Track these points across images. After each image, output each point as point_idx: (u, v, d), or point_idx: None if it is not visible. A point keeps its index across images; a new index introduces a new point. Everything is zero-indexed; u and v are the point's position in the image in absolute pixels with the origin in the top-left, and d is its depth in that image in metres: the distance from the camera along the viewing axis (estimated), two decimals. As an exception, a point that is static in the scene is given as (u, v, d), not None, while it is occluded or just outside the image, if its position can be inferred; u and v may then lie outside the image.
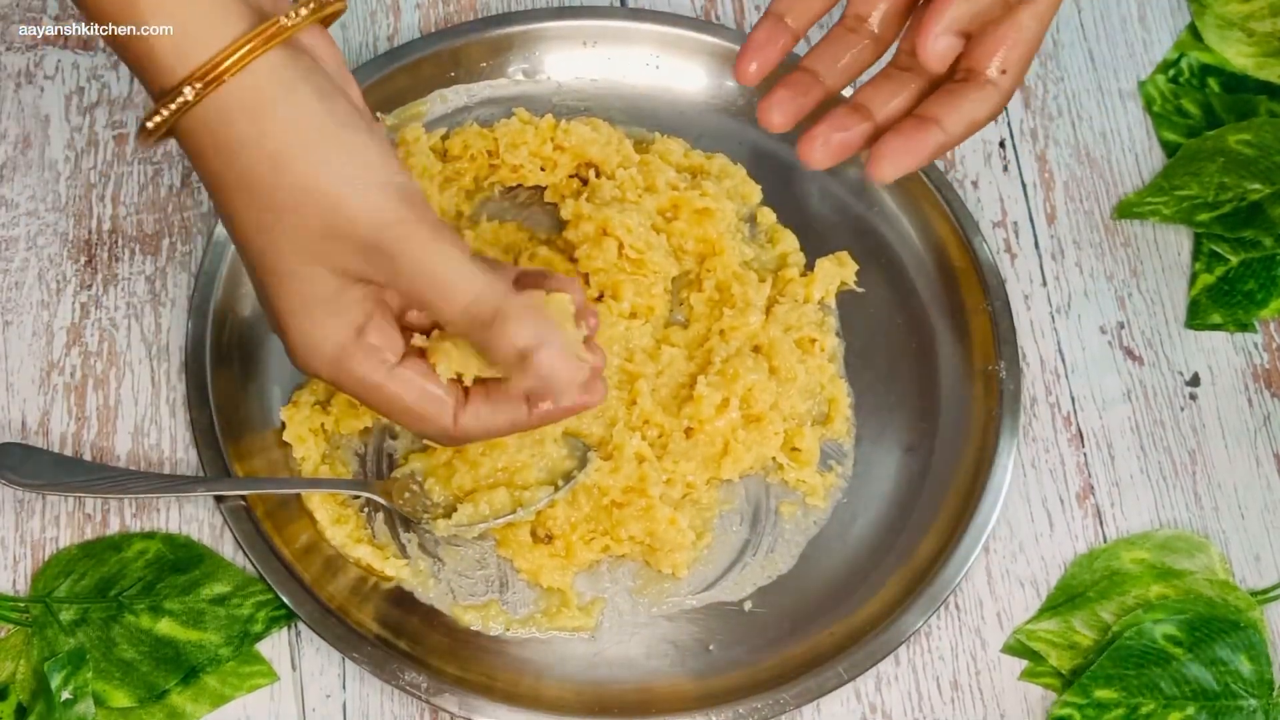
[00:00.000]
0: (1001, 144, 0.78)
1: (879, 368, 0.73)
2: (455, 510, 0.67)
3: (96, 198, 0.74)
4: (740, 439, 0.69)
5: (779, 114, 0.60)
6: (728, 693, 0.65)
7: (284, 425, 0.69)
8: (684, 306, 0.73)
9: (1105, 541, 0.69)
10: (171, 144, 0.75)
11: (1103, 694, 0.65)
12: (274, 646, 0.66)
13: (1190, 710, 0.65)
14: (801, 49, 0.63)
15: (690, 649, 0.67)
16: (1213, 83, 0.79)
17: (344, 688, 0.65)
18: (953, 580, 0.66)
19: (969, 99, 0.59)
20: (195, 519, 0.68)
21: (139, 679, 0.64)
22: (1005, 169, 0.77)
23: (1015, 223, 0.76)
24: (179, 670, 0.64)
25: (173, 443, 0.69)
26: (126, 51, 0.54)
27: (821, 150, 0.59)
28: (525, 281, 0.59)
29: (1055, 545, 0.69)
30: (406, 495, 0.68)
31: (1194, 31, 0.81)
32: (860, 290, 0.74)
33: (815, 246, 0.74)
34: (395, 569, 0.67)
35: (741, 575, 0.68)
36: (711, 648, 0.67)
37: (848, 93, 0.67)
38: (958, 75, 0.59)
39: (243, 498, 0.66)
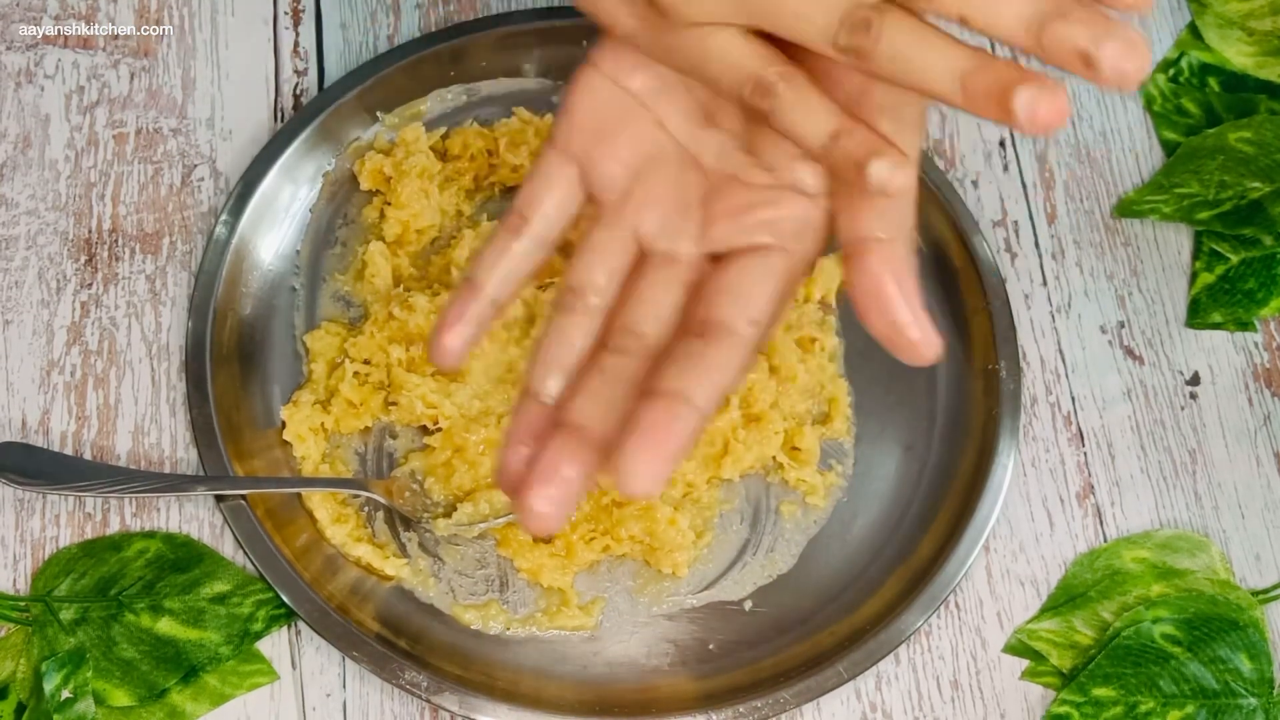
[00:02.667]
0: (1001, 143, 0.78)
1: (879, 367, 0.73)
2: (455, 509, 0.67)
3: (96, 197, 0.74)
4: (740, 438, 0.69)
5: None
6: (728, 692, 0.65)
7: (284, 424, 0.69)
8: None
9: (1105, 541, 0.69)
10: (171, 144, 0.75)
11: (1100, 692, 0.65)
12: (274, 645, 0.66)
13: (1190, 709, 0.65)
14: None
15: (690, 648, 0.67)
16: (1213, 82, 0.79)
17: (344, 686, 0.65)
18: (953, 579, 0.66)
19: (716, 362, 0.49)
20: (195, 518, 0.68)
21: (139, 678, 0.64)
22: (1005, 168, 0.77)
23: (1015, 222, 0.76)
24: (179, 669, 0.64)
25: (173, 442, 0.69)
26: None
27: (551, 509, 0.48)
28: None
29: (1055, 545, 0.69)
30: (407, 494, 0.68)
31: (1194, 31, 0.81)
32: (860, 289, 0.74)
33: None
34: (395, 568, 0.67)
35: (742, 574, 0.68)
36: (711, 647, 0.67)
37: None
38: (691, 327, 0.50)
39: (243, 497, 0.66)
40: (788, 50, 0.49)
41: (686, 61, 0.50)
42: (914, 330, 0.49)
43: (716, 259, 0.51)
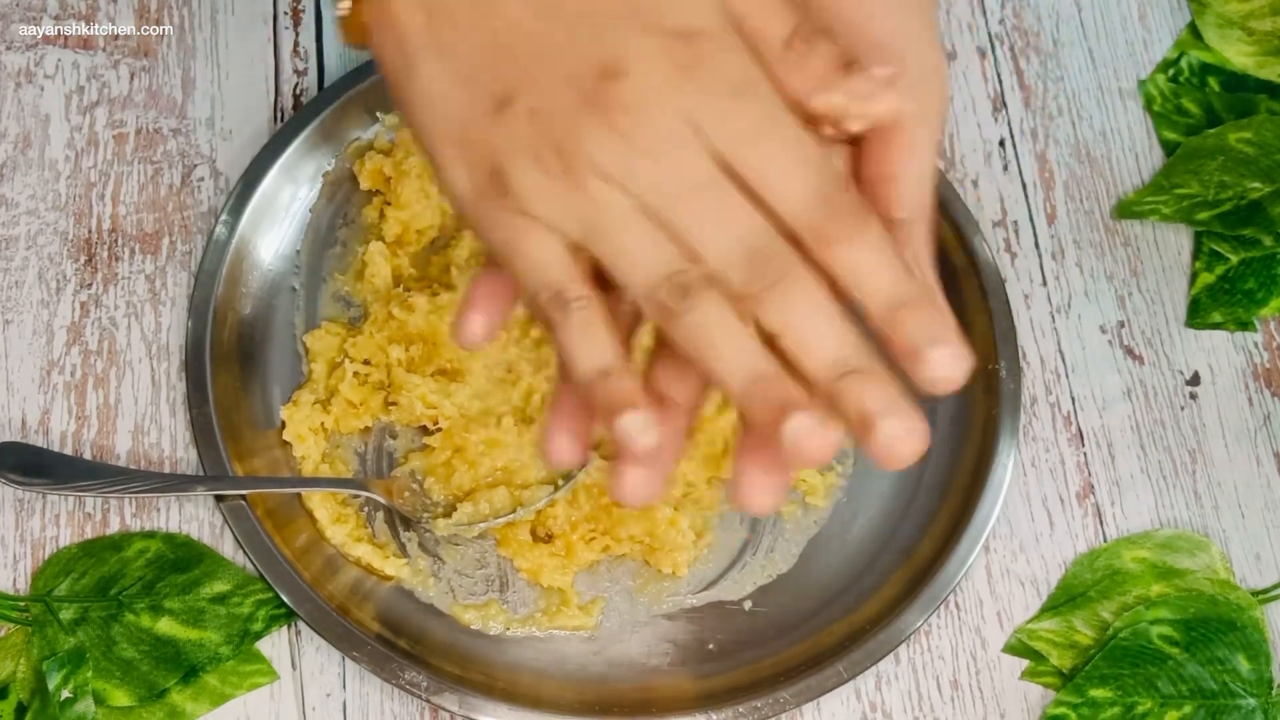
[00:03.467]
0: (1001, 143, 0.78)
1: (879, 367, 0.72)
2: (455, 509, 0.67)
3: (96, 197, 0.74)
4: (740, 438, 0.69)
5: (570, 453, 0.50)
6: (728, 692, 0.65)
7: (284, 424, 0.69)
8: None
9: (1105, 541, 0.69)
10: (171, 144, 0.75)
11: (1098, 693, 0.65)
12: (274, 645, 0.66)
13: (1188, 709, 0.65)
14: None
15: (690, 648, 0.67)
16: (1213, 82, 0.79)
17: (344, 686, 0.65)
18: (953, 579, 0.66)
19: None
20: (195, 518, 0.68)
21: (139, 678, 0.64)
22: (1005, 168, 0.77)
23: (1015, 222, 0.76)
24: (179, 669, 0.64)
25: (173, 442, 0.69)
26: None
27: (645, 488, 0.48)
28: None
29: (1055, 545, 0.69)
30: (406, 494, 0.68)
31: (1194, 31, 0.81)
32: (860, 289, 0.74)
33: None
34: (395, 568, 0.67)
35: (741, 574, 0.68)
36: (711, 647, 0.67)
37: None
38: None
39: (243, 497, 0.66)
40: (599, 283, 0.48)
41: (497, 242, 0.48)
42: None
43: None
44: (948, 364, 0.44)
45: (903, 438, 0.44)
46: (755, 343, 0.45)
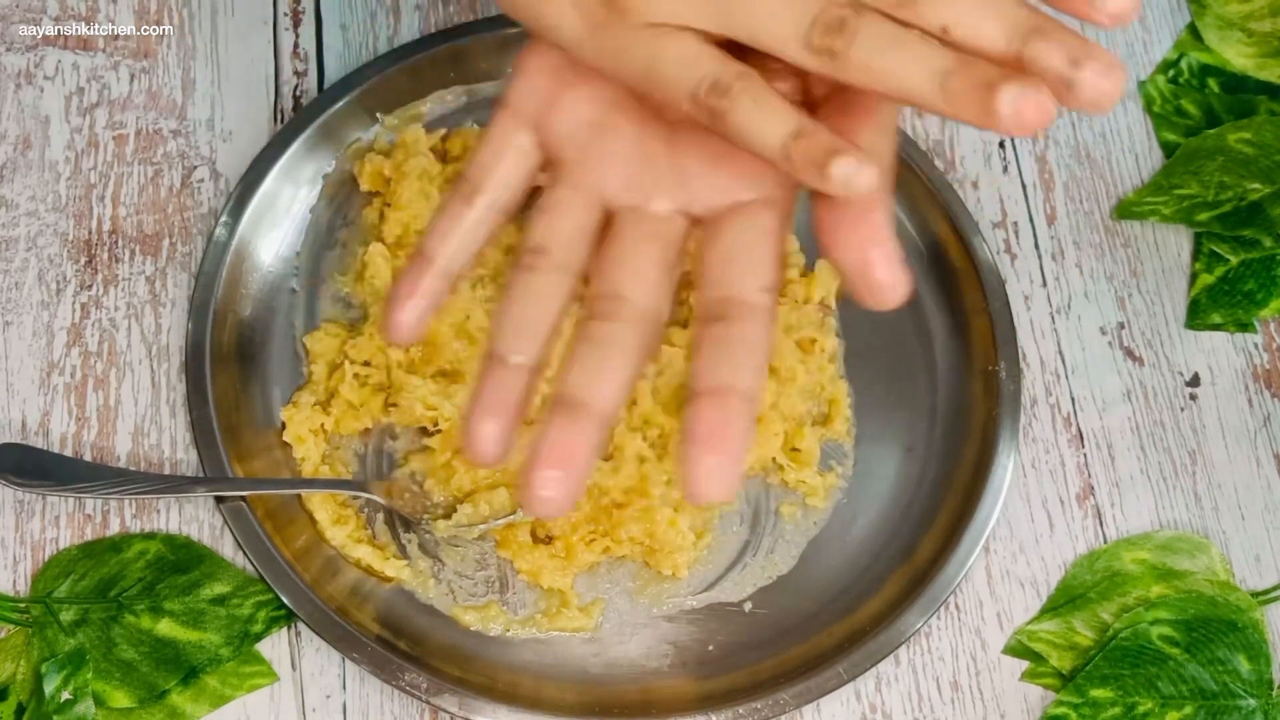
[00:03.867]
0: (1001, 145, 0.78)
1: (879, 368, 0.73)
2: (455, 511, 0.67)
3: (96, 198, 0.74)
4: (740, 439, 0.69)
5: (497, 447, 0.49)
6: (728, 693, 0.65)
7: (284, 425, 0.69)
8: (684, 306, 0.73)
9: (1105, 542, 0.69)
10: (171, 145, 0.75)
11: (1098, 693, 0.65)
12: (274, 647, 0.66)
13: (1188, 710, 0.65)
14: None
15: (690, 649, 0.67)
16: (1213, 83, 0.79)
17: (344, 688, 0.65)
18: (953, 581, 0.66)
19: (746, 340, 0.47)
20: (195, 519, 0.68)
21: (139, 679, 0.64)
22: (1005, 169, 0.77)
23: (1015, 223, 0.76)
24: (179, 670, 0.64)
25: (173, 443, 0.69)
26: None
27: (561, 495, 0.47)
28: None
29: (1055, 546, 0.69)
30: (406, 496, 0.68)
31: (1194, 32, 0.81)
32: (860, 291, 0.74)
33: (815, 247, 0.74)
34: (395, 569, 0.67)
35: (742, 576, 0.68)
36: (711, 648, 0.67)
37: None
38: (709, 311, 0.48)
39: (243, 498, 0.66)
40: (744, 59, 0.47)
41: (635, 65, 0.48)
42: (884, 268, 0.47)
43: (698, 221, 0.50)
44: (1101, 76, 0.42)
45: (1105, 77, 0.42)
46: (929, 40, 0.44)
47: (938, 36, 0.44)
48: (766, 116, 0.46)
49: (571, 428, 0.47)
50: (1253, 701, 0.65)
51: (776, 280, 0.49)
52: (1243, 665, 0.65)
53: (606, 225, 0.51)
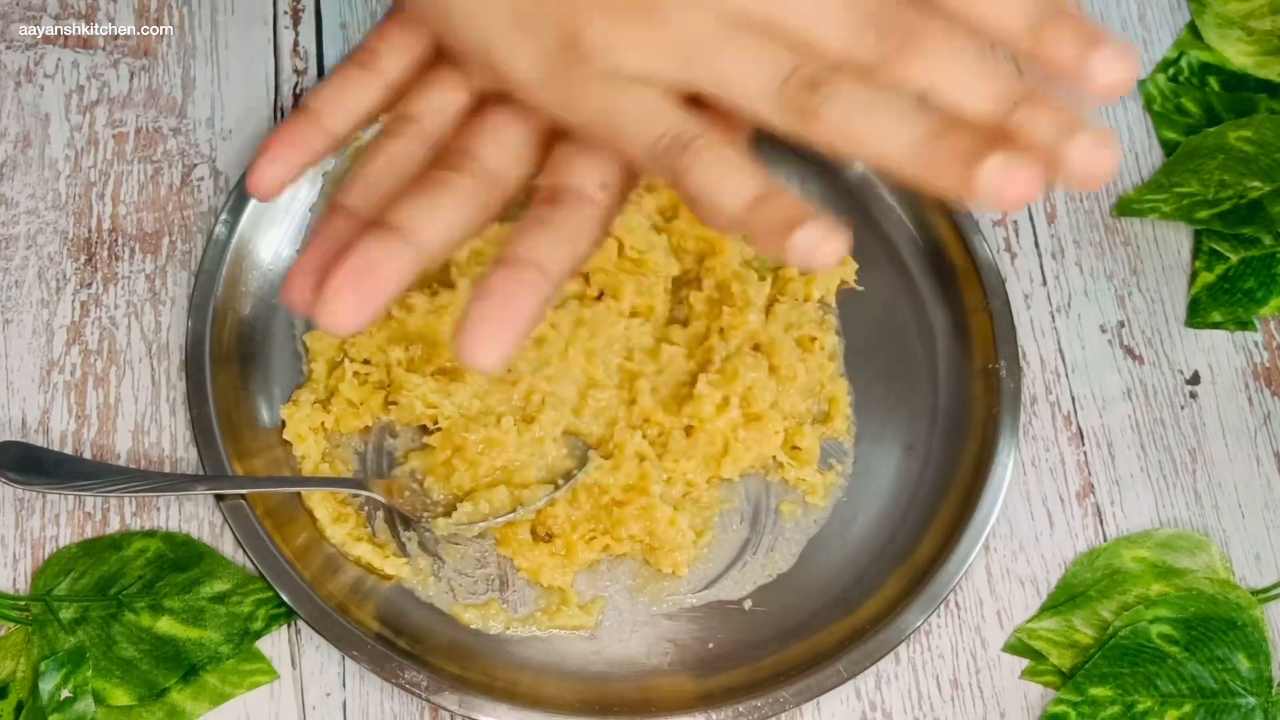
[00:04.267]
0: (1001, 143, 0.78)
1: (879, 366, 0.73)
2: (455, 509, 0.67)
3: (96, 196, 0.74)
4: (740, 438, 0.69)
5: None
6: (728, 691, 0.65)
7: (284, 423, 0.69)
8: (684, 305, 0.73)
9: (1105, 540, 0.69)
10: (171, 144, 0.75)
11: (1097, 691, 0.65)
12: (274, 644, 0.66)
13: (1188, 708, 0.65)
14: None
15: (690, 647, 0.67)
16: (1213, 81, 0.79)
17: (344, 686, 0.65)
18: (953, 579, 0.66)
19: (567, 227, 0.46)
20: (195, 517, 0.68)
21: (139, 677, 0.64)
22: (1005, 168, 0.77)
23: (1015, 222, 0.76)
24: (179, 668, 0.64)
25: (173, 441, 0.69)
26: None
27: (348, 308, 0.44)
28: None
29: (1055, 544, 0.69)
30: (406, 494, 0.68)
31: (1194, 30, 0.81)
32: (860, 289, 0.74)
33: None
34: (395, 567, 0.67)
35: (742, 574, 0.68)
36: (711, 646, 0.67)
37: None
38: (544, 195, 0.47)
39: (242, 496, 0.66)
40: (708, 114, 0.45)
41: (590, 113, 0.45)
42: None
43: (548, 136, 0.48)
44: (1114, 62, 0.41)
45: (1099, 150, 0.40)
46: (911, 104, 0.42)
47: (920, 97, 0.42)
48: (727, 178, 0.43)
49: (382, 245, 0.44)
50: (1252, 700, 0.65)
51: (620, 183, 0.47)
52: (1242, 663, 0.65)
53: (474, 110, 0.49)
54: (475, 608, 0.67)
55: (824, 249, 0.41)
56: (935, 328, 0.73)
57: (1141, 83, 0.80)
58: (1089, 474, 0.71)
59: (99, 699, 0.63)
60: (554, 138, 0.48)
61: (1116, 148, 0.40)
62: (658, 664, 0.66)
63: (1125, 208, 0.76)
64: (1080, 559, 0.69)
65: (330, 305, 0.44)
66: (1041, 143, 0.40)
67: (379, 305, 0.44)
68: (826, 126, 0.42)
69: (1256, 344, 0.74)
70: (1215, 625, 0.66)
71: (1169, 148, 0.78)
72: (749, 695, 0.64)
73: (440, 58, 0.50)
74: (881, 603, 0.67)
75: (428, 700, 0.63)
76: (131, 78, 0.77)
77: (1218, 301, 0.74)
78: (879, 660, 0.65)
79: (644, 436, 0.68)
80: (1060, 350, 0.73)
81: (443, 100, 0.49)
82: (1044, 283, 0.75)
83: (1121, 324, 0.74)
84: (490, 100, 0.49)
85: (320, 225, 0.47)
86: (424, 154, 0.48)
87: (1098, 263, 0.75)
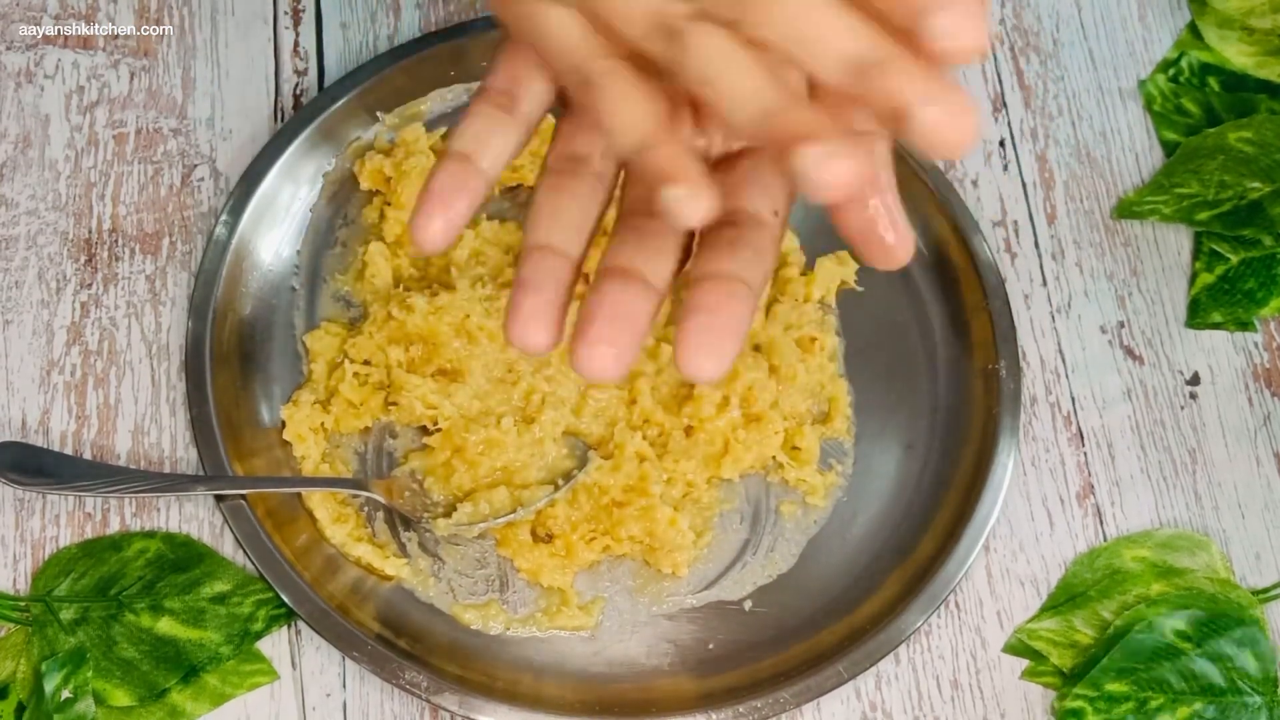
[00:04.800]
0: (1001, 143, 0.78)
1: (879, 367, 0.73)
2: (455, 509, 0.67)
3: (96, 197, 0.74)
4: (740, 438, 0.69)
5: (542, 331, 0.45)
6: (728, 692, 0.65)
7: (284, 424, 0.69)
8: (680, 305, 0.73)
9: (1105, 540, 0.69)
10: (171, 144, 0.75)
11: (1114, 687, 0.64)
12: (274, 645, 0.66)
13: (1197, 705, 0.65)
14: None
15: (690, 648, 0.67)
16: (1213, 82, 0.79)
17: (344, 686, 0.65)
18: (953, 579, 0.66)
19: (754, 246, 0.46)
20: (195, 518, 0.68)
21: (139, 678, 0.64)
22: (1005, 168, 0.77)
23: (1015, 222, 0.76)
24: (179, 669, 0.64)
25: (173, 442, 0.69)
26: None
27: (613, 358, 0.44)
28: None
29: (1055, 544, 0.69)
30: (406, 494, 0.68)
31: (1194, 30, 0.81)
32: (860, 289, 0.74)
33: (815, 246, 0.74)
34: (395, 568, 0.67)
35: (742, 574, 0.68)
36: (711, 647, 0.67)
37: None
38: (719, 221, 0.45)
39: (243, 496, 0.66)
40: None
41: (516, 29, 0.46)
42: (889, 232, 0.45)
43: (718, 163, 0.48)
44: (945, 123, 0.39)
45: (947, 121, 0.39)
46: (762, 70, 0.41)
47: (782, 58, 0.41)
48: (627, 111, 0.43)
49: (629, 292, 0.45)
50: (1259, 699, 0.65)
51: (786, 211, 0.47)
52: (1250, 662, 0.65)
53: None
54: (475, 608, 0.67)
55: (833, 165, 0.40)
56: (935, 328, 0.73)
57: (1141, 83, 0.80)
58: (1089, 474, 0.71)
59: (99, 699, 0.63)
60: (723, 167, 0.49)
61: (972, 116, 0.39)
62: (658, 664, 0.66)
63: (1125, 209, 0.76)
64: (1080, 559, 0.69)
65: (592, 353, 0.44)
66: (894, 108, 0.39)
67: (636, 350, 0.45)
68: (689, 80, 0.42)
69: (1256, 345, 0.74)
70: (1223, 623, 0.66)
71: (1169, 148, 0.78)
72: (749, 696, 0.64)
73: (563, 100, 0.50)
74: (881, 603, 0.67)
75: (428, 701, 0.63)
76: (132, 78, 0.77)
77: (1218, 302, 0.74)
78: (879, 661, 0.65)
79: (644, 437, 0.68)
80: (1060, 351, 0.73)
81: (603, 142, 0.48)
82: (1044, 283, 0.75)
83: (1121, 324, 0.74)
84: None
85: (529, 265, 0.46)
86: (602, 193, 0.48)
87: (1098, 263, 0.75)
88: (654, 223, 0.47)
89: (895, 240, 0.45)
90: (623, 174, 0.49)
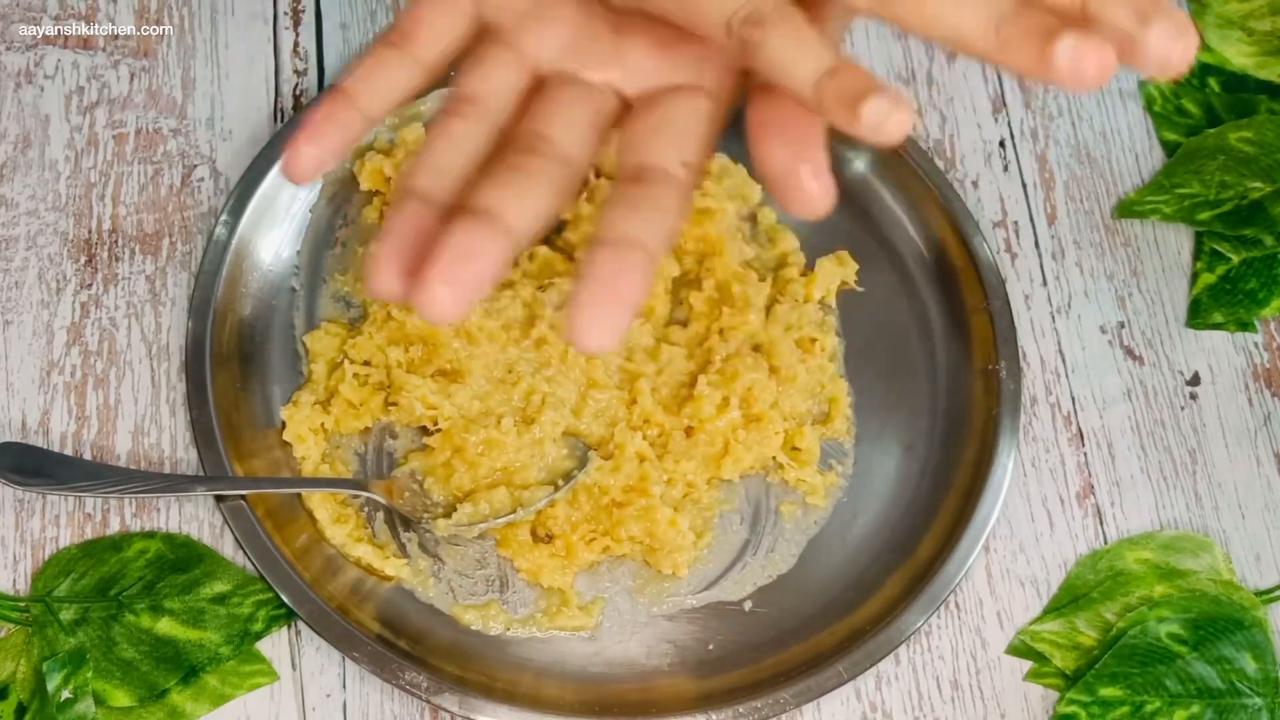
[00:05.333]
0: (1001, 144, 0.78)
1: (879, 367, 0.73)
2: (455, 510, 0.67)
3: (96, 197, 0.74)
4: (740, 438, 0.69)
5: (394, 277, 0.45)
6: (728, 692, 0.65)
7: (284, 425, 0.69)
8: (684, 306, 0.73)
9: (1105, 541, 0.69)
10: (171, 144, 0.75)
11: (1108, 692, 0.64)
12: (274, 646, 0.66)
13: (1195, 708, 0.64)
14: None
15: (690, 648, 0.67)
16: (1213, 82, 0.79)
17: (344, 687, 0.65)
18: (953, 579, 0.66)
19: (658, 204, 0.46)
20: (195, 518, 0.68)
21: (139, 678, 0.64)
22: (1005, 169, 0.77)
23: (1015, 222, 0.76)
24: (179, 669, 0.64)
25: (173, 442, 0.69)
26: None
27: (450, 298, 0.43)
28: None
29: (1055, 545, 0.69)
30: (406, 495, 0.68)
31: (1194, 31, 0.80)
32: (860, 290, 0.74)
33: (815, 246, 0.74)
34: (395, 568, 0.67)
35: (742, 575, 0.68)
36: (711, 647, 0.67)
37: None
38: (625, 174, 0.47)
39: (243, 497, 0.66)
40: None
41: None
42: (811, 178, 0.46)
43: (629, 103, 0.49)
44: (1168, 38, 0.41)
45: (1175, 39, 0.41)
46: (822, 43, 0.44)
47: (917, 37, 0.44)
48: (801, 51, 0.44)
49: (475, 232, 0.44)
50: (1259, 700, 0.65)
51: (699, 160, 0.48)
52: (1249, 664, 0.65)
53: (534, 91, 0.49)
54: (475, 609, 0.67)
55: (894, 119, 0.42)
56: (935, 328, 0.73)
57: (1142, 83, 0.79)
58: (1089, 475, 0.71)
59: (99, 700, 0.63)
60: (619, 118, 0.49)
61: (1193, 36, 0.41)
62: (658, 665, 0.66)
63: (1126, 209, 0.76)
64: (1083, 560, 0.69)
65: (430, 295, 0.43)
66: (1119, 28, 0.41)
67: (479, 293, 0.44)
68: (760, 61, 0.44)
69: (1256, 345, 0.74)
70: (1222, 625, 0.66)
71: (1169, 148, 0.78)
72: (749, 696, 0.64)
73: (485, 36, 0.50)
74: (881, 603, 0.67)
75: (428, 701, 0.63)
76: (132, 78, 0.77)
77: (1219, 302, 0.74)
78: (879, 661, 0.65)
79: (644, 437, 0.68)
80: (1060, 351, 0.73)
81: (502, 80, 0.49)
82: (1044, 283, 0.75)
83: (1122, 325, 0.74)
84: (550, 81, 0.49)
85: (395, 210, 0.46)
86: (490, 136, 0.48)
87: (1098, 263, 0.75)
88: (534, 159, 0.46)
89: (817, 188, 0.46)
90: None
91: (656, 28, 0.49)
